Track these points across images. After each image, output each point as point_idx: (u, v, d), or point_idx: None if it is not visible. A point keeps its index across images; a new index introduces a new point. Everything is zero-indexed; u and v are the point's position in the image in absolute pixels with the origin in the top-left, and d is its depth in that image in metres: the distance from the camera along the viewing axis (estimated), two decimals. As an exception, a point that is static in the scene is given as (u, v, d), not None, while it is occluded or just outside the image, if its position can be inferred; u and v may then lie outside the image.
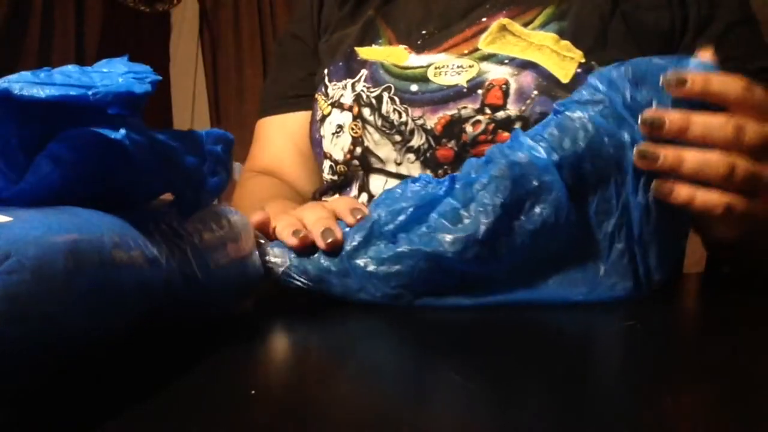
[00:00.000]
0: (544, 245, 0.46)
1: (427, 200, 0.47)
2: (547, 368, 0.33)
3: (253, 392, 0.29)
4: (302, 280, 0.48)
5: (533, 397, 0.29)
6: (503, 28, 0.73)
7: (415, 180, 0.49)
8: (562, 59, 0.70)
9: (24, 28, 2.40)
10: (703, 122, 0.47)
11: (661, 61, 0.47)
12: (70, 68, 0.33)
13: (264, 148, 0.93)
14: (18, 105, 0.30)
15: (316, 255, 0.48)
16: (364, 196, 0.78)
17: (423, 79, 0.74)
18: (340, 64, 0.81)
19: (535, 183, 0.45)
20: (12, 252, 0.24)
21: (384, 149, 0.75)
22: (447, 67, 0.73)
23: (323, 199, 0.83)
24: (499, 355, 0.36)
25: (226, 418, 0.26)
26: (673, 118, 0.46)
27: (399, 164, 0.75)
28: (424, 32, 0.78)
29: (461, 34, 0.75)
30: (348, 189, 0.80)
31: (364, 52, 0.80)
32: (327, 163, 0.81)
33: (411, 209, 0.46)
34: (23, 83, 0.30)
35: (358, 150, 0.76)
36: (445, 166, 0.72)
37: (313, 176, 0.90)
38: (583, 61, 0.69)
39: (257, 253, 0.46)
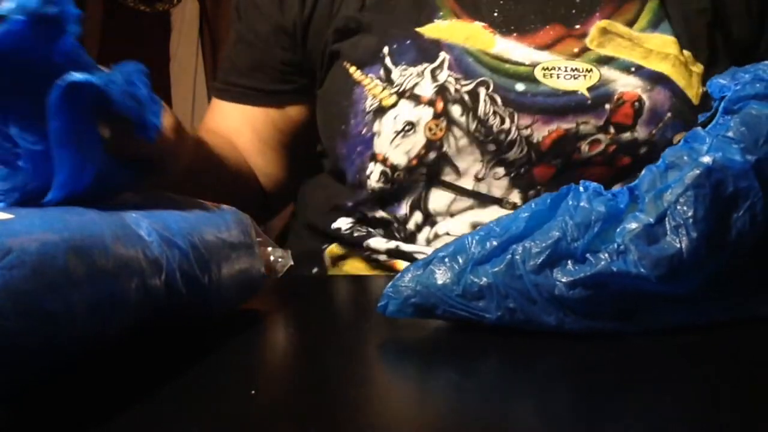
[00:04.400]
0: (733, 258, 0.40)
1: (609, 214, 0.40)
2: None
3: (253, 392, 0.29)
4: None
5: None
6: (605, 32, 0.61)
7: (576, 190, 0.41)
8: (689, 73, 0.59)
9: (24, 28, 2.40)
10: None
11: None
12: None
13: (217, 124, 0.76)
14: None
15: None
16: (418, 215, 0.63)
17: (529, 78, 0.60)
18: (408, 42, 0.62)
19: (730, 190, 0.39)
20: (13, 247, 0.25)
21: (467, 159, 0.60)
22: (558, 69, 0.60)
23: (368, 215, 0.65)
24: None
25: (226, 418, 0.26)
26: None
27: (479, 180, 0.61)
28: (501, 1, 0.63)
29: (559, 25, 0.62)
30: (396, 204, 0.64)
31: (429, 32, 0.62)
32: (377, 168, 0.63)
33: (598, 224, 0.39)
34: None
35: (432, 155, 0.61)
36: (539, 186, 0.60)
37: (275, 164, 0.75)
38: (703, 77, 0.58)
39: (258, 253, 0.46)
